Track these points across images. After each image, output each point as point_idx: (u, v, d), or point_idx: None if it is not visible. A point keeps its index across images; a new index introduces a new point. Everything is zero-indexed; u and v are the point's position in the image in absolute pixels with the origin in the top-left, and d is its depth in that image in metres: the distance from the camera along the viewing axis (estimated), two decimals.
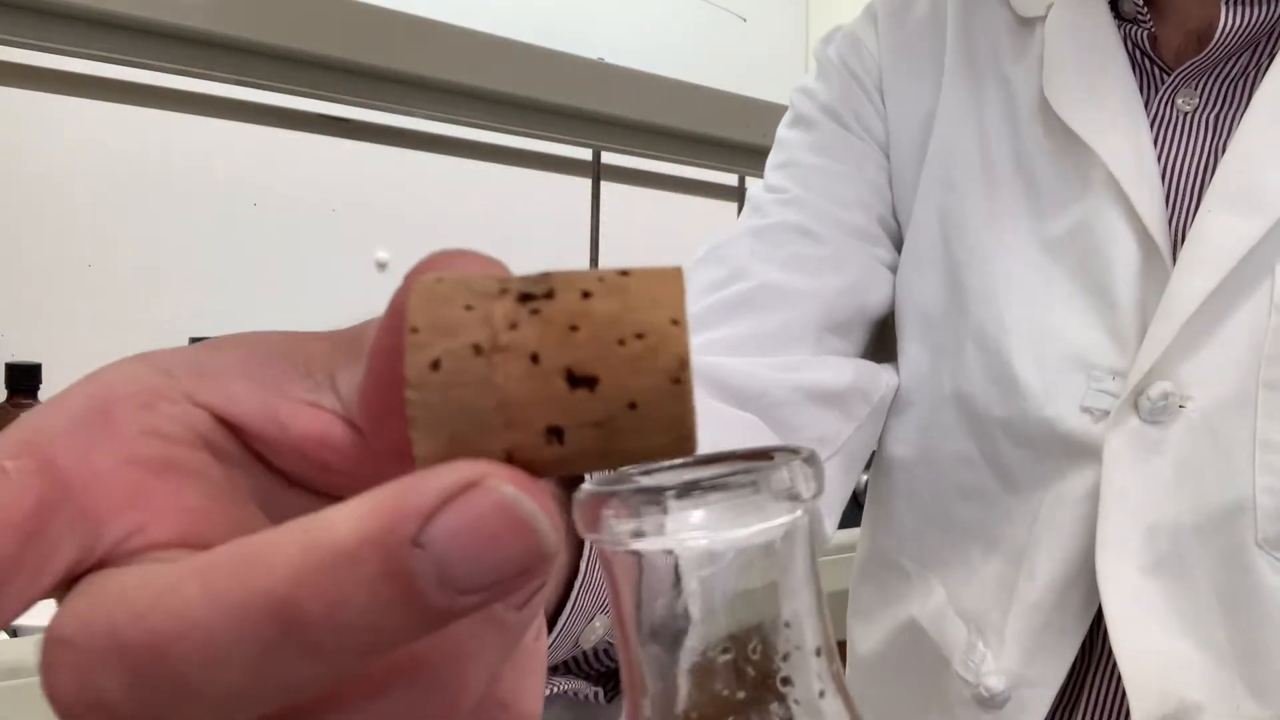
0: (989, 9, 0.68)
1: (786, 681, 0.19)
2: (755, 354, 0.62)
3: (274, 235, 1.81)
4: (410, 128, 1.35)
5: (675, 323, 0.16)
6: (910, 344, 0.68)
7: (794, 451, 0.19)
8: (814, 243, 0.67)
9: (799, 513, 0.18)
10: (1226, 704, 0.56)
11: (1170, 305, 0.57)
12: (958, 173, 0.67)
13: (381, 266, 1.92)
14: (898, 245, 0.71)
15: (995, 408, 0.62)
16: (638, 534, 0.18)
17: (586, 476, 0.26)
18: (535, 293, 0.17)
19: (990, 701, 0.62)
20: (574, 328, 0.16)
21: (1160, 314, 0.57)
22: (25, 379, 1.47)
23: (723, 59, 2.36)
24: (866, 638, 0.71)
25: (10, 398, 1.48)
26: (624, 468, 0.18)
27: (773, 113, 1.49)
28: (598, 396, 0.16)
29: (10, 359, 1.51)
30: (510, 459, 0.16)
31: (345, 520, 0.16)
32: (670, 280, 0.17)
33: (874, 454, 0.72)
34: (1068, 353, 0.60)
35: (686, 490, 0.18)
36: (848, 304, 0.66)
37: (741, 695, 0.19)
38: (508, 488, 0.16)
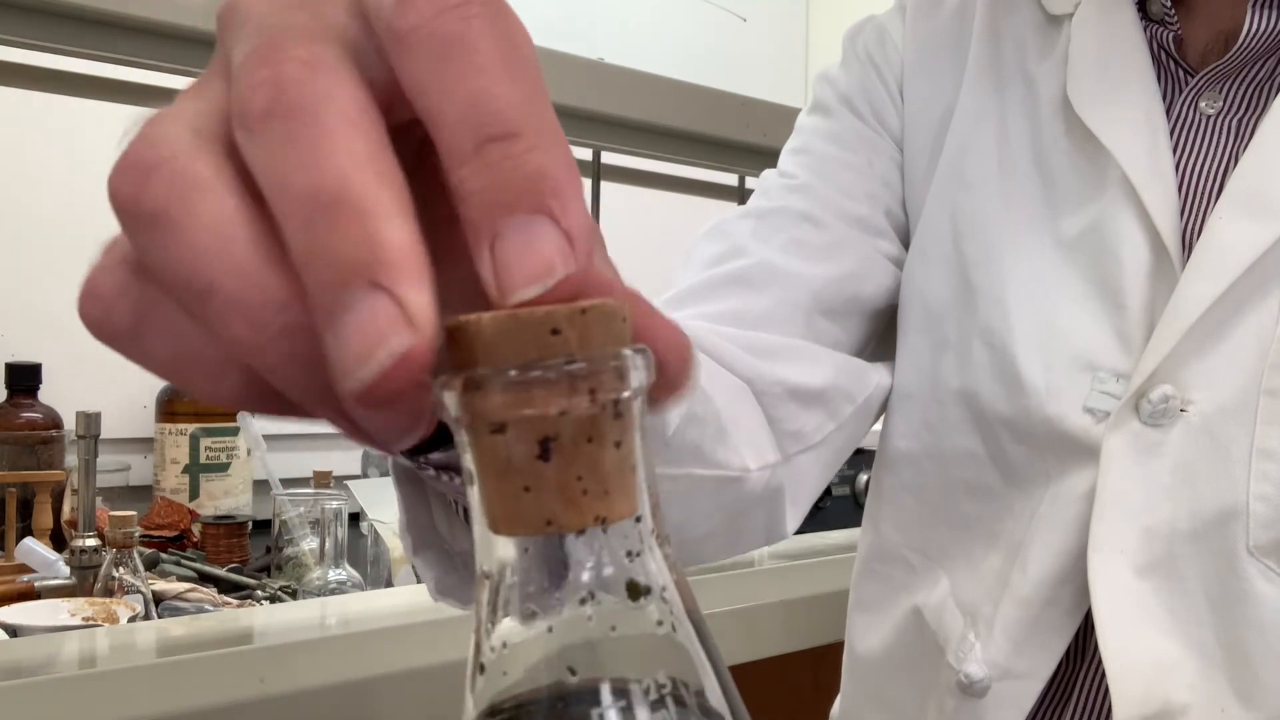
0: (1018, 4, 0.69)
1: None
2: (743, 327, 0.63)
3: None
4: None
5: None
6: (912, 336, 0.68)
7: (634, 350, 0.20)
8: (815, 229, 0.68)
9: (625, 394, 0.20)
10: (1213, 707, 0.56)
11: (1176, 309, 0.57)
12: (973, 169, 0.67)
13: None
14: (904, 239, 0.71)
15: (999, 405, 0.63)
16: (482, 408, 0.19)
17: None
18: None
19: (970, 689, 0.62)
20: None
21: (1166, 317, 0.57)
22: (25, 379, 1.47)
23: (723, 59, 2.36)
24: (868, 632, 0.71)
25: (10, 398, 1.48)
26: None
27: (773, 113, 1.49)
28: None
29: (10, 359, 1.51)
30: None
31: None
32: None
33: (876, 449, 0.72)
34: (1074, 353, 0.61)
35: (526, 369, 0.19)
36: (840, 291, 0.67)
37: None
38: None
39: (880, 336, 0.71)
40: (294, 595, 1.18)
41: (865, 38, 0.75)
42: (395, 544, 1.22)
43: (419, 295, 0.19)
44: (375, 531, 1.24)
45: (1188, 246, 0.59)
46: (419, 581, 1.25)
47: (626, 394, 0.20)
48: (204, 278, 0.21)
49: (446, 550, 0.42)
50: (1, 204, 1.58)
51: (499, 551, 0.20)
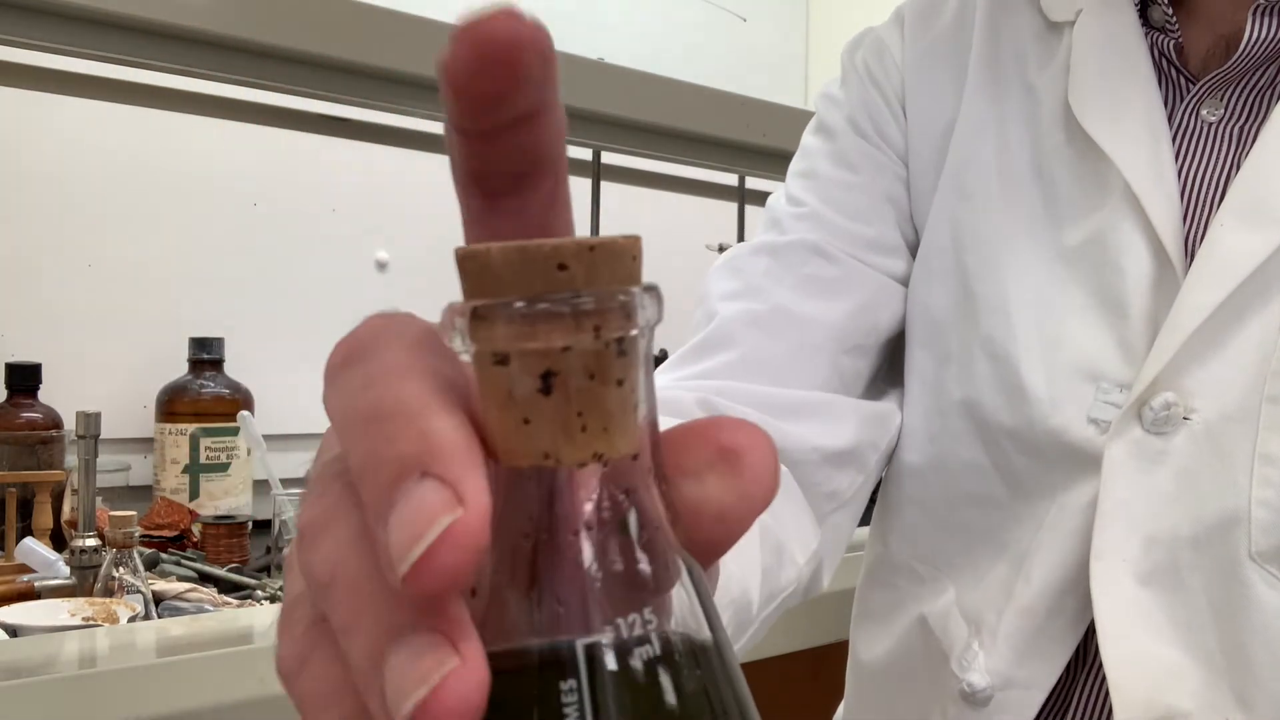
0: (1018, 12, 0.68)
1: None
2: (764, 376, 0.63)
3: (274, 235, 1.81)
4: (410, 128, 1.35)
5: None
6: (917, 350, 0.68)
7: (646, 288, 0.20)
8: (827, 263, 0.67)
9: (632, 331, 0.20)
10: (1216, 714, 0.56)
11: (1178, 317, 0.57)
12: (974, 181, 0.67)
13: (381, 266, 1.92)
14: (915, 252, 0.71)
15: (1003, 416, 0.63)
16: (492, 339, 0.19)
17: None
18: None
19: (973, 698, 0.63)
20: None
21: (1168, 325, 0.57)
22: (25, 379, 1.47)
23: (723, 59, 2.36)
24: (874, 642, 0.71)
25: (10, 398, 1.48)
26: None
27: (773, 113, 1.49)
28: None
29: (10, 359, 1.51)
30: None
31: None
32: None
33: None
34: (1077, 363, 0.61)
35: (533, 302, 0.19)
36: (860, 325, 0.67)
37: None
38: None
39: (895, 357, 0.71)
40: None
41: (864, 53, 0.74)
42: None
43: (470, 477, 0.19)
44: None
45: (1190, 254, 0.59)
46: None
47: (634, 332, 0.20)
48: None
49: None
50: (1, 204, 1.58)
51: (496, 480, 0.20)
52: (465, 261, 0.20)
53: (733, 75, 1.85)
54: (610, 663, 0.19)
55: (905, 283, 0.70)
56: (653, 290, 0.20)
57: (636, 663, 0.19)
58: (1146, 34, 0.64)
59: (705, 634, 0.20)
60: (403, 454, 0.19)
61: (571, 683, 0.19)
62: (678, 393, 0.61)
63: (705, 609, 0.21)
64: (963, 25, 0.71)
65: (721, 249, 2.06)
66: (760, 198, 2.21)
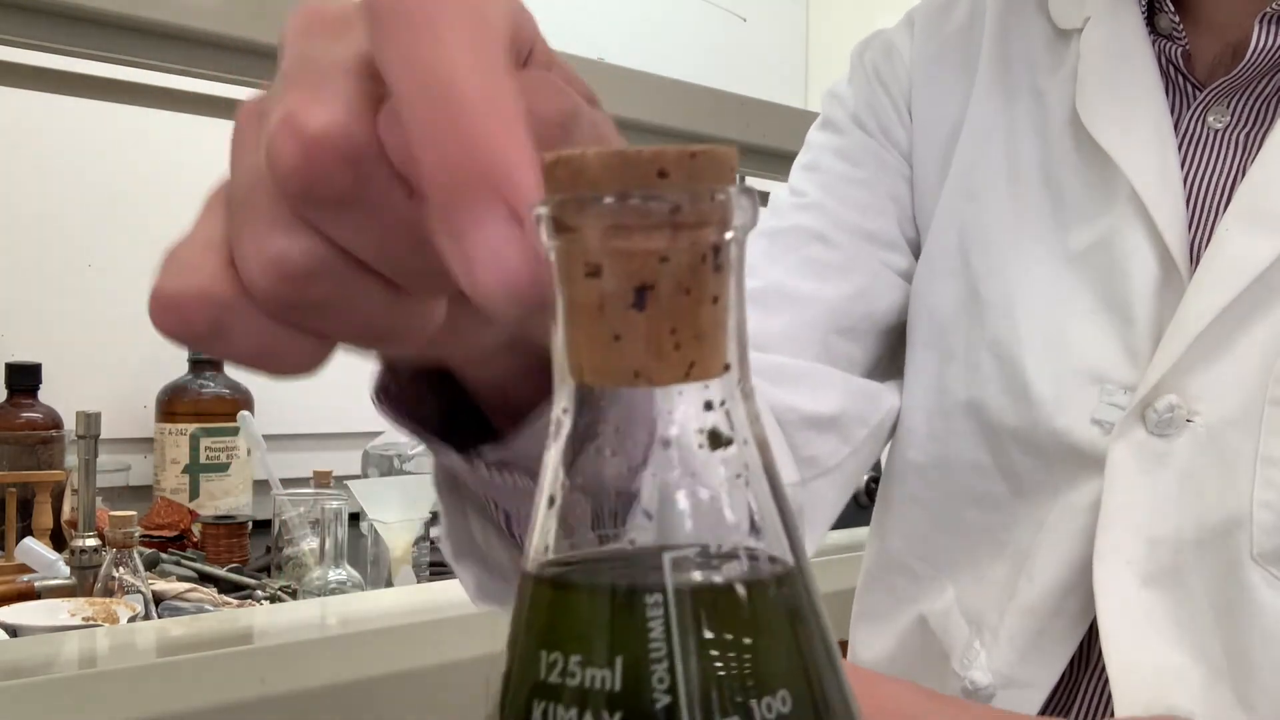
0: (1028, 19, 0.69)
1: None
2: (758, 349, 0.63)
3: None
4: None
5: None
6: (920, 350, 0.69)
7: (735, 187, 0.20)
8: (826, 247, 0.68)
9: (728, 235, 0.19)
10: (1218, 716, 0.56)
11: (1182, 321, 0.58)
12: (982, 184, 0.68)
13: None
14: (915, 252, 0.72)
15: (1007, 417, 0.63)
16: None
17: None
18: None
19: (975, 696, 0.63)
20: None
21: (1172, 328, 0.58)
22: (25, 379, 1.47)
23: (723, 59, 2.36)
24: (873, 642, 0.72)
25: (10, 398, 1.48)
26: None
27: (773, 113, 1.49)
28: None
29: (10, 359, 1.51)
30: None
31: None
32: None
33: (885, 460, 0.73)
34: (1082, 366, 0.61)
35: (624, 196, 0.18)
36: (854, 309, 0.68)
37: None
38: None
39: (893, 352, 0.72)
40: (294, 595, 1.18)
41: (872, 53, 0.75)
42: (395, 544, 1.22)
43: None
44: (375, 531, 1.24)
45: (1195, 259, 0.60)
46: (419, 581, 1.25)
47: (730, 235, 0.19)
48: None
49: (485, 559, 0.42)
50: (1, 204, 1.58)
51: (580, 395, 0.20)
52: (556, 168, 0.19)
53: (733, 75, 1.85)
54: (696, 576, 0.19)
55: (905, 277, 0.71)
56: (749, 191, 0.19)
57: (721, 578, 0.19)
58: (1154, 41, 0.64)
59: (788, 555, 0.20)
60: (490, 176, 0.22)
61: (657, 596, 0.18)
62: None
63: (788, 529, 0.20)
64: (972, 30, 0.72)
65: None
66: (760, 198, 2.21)
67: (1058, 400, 0.61)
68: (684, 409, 0.19)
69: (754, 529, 0.20)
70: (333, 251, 0.25)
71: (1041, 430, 0.62)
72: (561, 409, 0.20)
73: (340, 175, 0.23)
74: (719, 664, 0.18)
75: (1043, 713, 0.63)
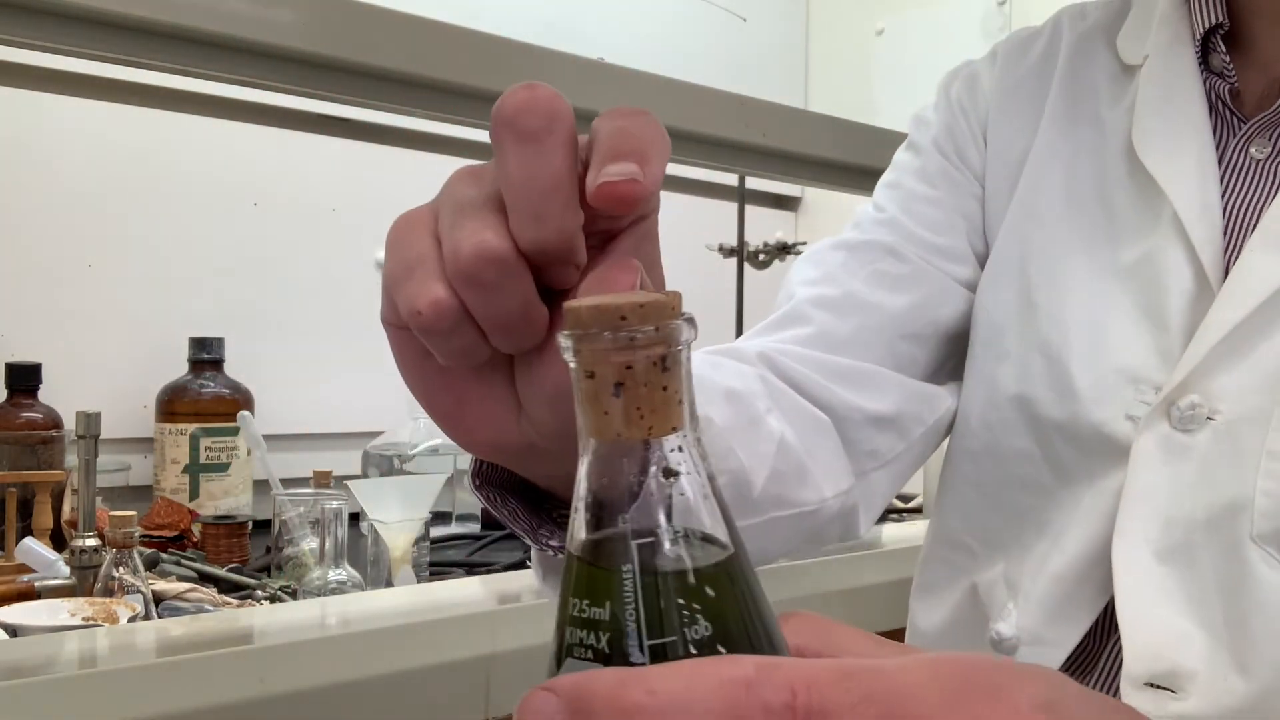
0: (1097, 55, 0.78)
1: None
2: (828, 348, 0.73)
3: (274, 235, 1.81)
4: (410, 128, 1.35)
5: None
6: (978, 349, 0.77)
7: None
8: (897, 261, 0.78)
9: (673, 349, 0.30)
10: (1217, 677, 0.63)
11: (1206, 330, 0.65)
12: (1043, 203, 0.76)
13: (381, 267, 1.92)
14: (983, 263, 0.80)
15: (1052, 411, 0.71)
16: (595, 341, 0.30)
17: None
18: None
19: (1000, 646, 0.71)
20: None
21: (1198, 336, 0.66)
22: (25, 379, 1.47)
23: (723, 59, 2.36)
24: (931, 612, 0.79)
25: (10, 398, 1.48)
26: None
27: (773, 113, 1.49)
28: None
29: (10, 359, 1.51)
30: None
31: None
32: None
33: (946, 446, 0.81)
34: (1120, 367, 0.69)
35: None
36: (919, 316, 0.77)
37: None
38: None
39: (958, 354, 0.80)
40: (294, 595, 1.18)
41: (958, 85, 0.84)
42: (395, 544, 1.22)
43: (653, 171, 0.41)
44: (375, 531, 1.24)
45: (1228, 276, 0.67)
46: (419, 581, 1.25)
47: (677, 348, 0.30)
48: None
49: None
50: (2, 204, 1.58)
51: (589, 446, 0.30)
52: (567, 312, 0.30)
53: (733, 75, 1.85)
54: (653, 552, 0.29)
55: (970, 287, 0.79)
56: (690, 320, 0.30)
57: (672, 553, 0.30)
58: (1205, 78, 0.72)
59: (725, 539, 0.30)
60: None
61: (629, 566, 0.29)
62: (744, 344, 0.73)
63: (727, 522, 0.30)
64: (1046, 64, 0.81)
65: (722, 249, 2.06)
66: (760, 198, 2.21)
67: (1097, 397, 0.69)
68: (652, 453, 0.30)
69: (697, 522, 0.30)
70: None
71: (1082, 423, 0.69)
72: (581, 454, 0.31)
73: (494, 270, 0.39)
74: (664, 604, 0.29)
75: (1065, 671, 0.68)
